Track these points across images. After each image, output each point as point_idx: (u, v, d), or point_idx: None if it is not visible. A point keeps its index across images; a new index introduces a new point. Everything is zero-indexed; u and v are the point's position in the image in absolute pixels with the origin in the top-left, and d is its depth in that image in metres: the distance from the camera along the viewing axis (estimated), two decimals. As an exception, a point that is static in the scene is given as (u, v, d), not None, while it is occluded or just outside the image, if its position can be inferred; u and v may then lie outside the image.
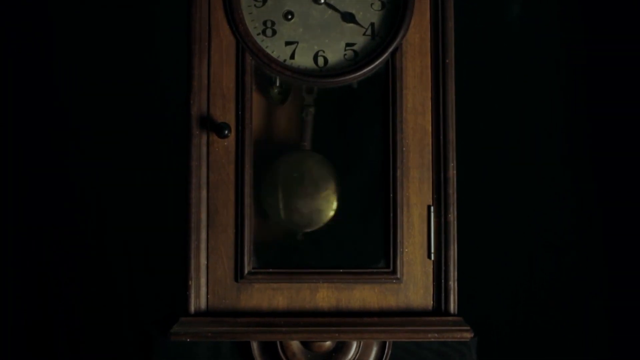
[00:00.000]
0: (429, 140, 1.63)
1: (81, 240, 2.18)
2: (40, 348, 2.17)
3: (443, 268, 1.61)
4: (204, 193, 1.60)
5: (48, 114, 2.17)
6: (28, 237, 2.16)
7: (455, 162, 1.61)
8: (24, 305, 2.18)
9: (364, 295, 1.61)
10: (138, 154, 2.18)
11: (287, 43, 1.64)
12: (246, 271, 1.60)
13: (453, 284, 1.61)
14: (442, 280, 1.61)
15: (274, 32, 1.64)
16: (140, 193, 2.16)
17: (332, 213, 1.72)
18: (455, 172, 1.61)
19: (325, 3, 1.64)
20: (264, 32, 1.64)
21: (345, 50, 1.64)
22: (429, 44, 1.63)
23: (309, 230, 1.73)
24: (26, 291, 2.16)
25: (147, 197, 2.16)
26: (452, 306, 1.60)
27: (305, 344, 1.65)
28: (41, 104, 2.17)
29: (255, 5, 1.64)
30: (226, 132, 1.57)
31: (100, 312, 2.16)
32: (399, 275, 1.61)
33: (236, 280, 1.60)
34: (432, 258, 1.62)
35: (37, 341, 2.17)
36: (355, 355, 1.66)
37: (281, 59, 1.64)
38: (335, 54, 1.64)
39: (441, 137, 1.62)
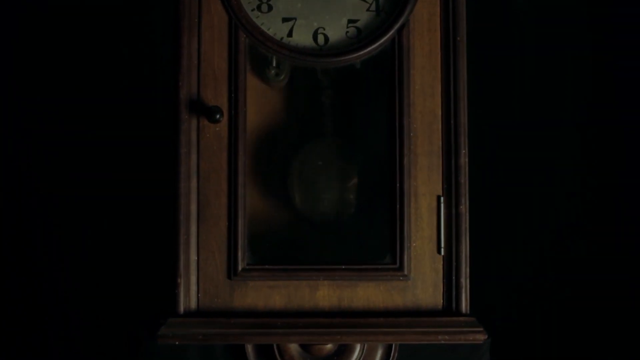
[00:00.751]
0: (438, 125, 1.60)
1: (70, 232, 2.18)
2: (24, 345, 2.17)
3: (454, 264, 1.57)
4: (194, 183, 1.57)
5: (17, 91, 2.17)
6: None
7: (467, 148, 1.58)
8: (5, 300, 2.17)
9: (368, 293, 1.58)
10: (125, 143, 2.16)
11: (284, 19, 1.61)
12: (240, 267, 1.56)
13: (465, 281, 1.57)
14: (453, 277, 1.58)
15: (270, 8, 1.61)
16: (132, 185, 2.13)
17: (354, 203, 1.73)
18: (467, 159, 1.58)
19: (326, -25, 1.61)
20: (259, 8, 1.61)
21: (347, 27, 1.62)
22: (438, 20, 1.60)
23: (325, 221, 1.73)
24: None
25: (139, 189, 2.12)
26: (464, 305, 1.57)
27: (304, 347, 1.64)
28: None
29: (249, -22, 1.61)
30: (218, 116, 1.53)
31: (91, 307, 2.16)
32: (406, 272, 1.58)
33: (229, 277, 1.57)
34: (442, 253, 1.59)
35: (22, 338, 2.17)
36: (359, 359, 1.66)
37: (278, 37, 1.60)
38: (336, 31, 1.61)
39: (452, 122, 1.59)
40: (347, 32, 1.61)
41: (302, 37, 1.61)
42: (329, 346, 1.64)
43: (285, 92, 1.76)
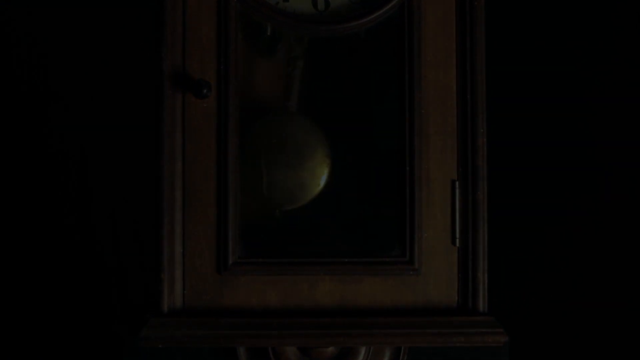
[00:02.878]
0: (453, 101, 1.56)
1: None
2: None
3: (470, 257, 1.54)
4: (178, 166, 1.54)
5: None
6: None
7: (485, 127, 1.55)
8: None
9: (374, 289, 1.55)
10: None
11: (280, -18, 1.60)
12: (231, 261, 1.53)
13: (482, 276, 1.54)
14: (469, 272, 1.54)
15: (264, -31, 1.59)
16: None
17: (318, 189, 1.67)
18: (485, 139, 1.55)
19: None
20: (251, -31, 1.58)
21: (351, -10, 1.60)
22: (453, -20, 1.59)
23: (289, 208, 1.69)
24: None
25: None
26: (482, 303, 1.54)
27: (303, 350, 1.61)
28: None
29: None
30: (205, 91, 1.50)
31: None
32: (416, 266, 1.54)
33: (219, 272, 1.54)
34: (457, 244, 1.55)
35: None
36: (364, 363, 1.65)
37: (273, 2, 1.57)
38: (338, -5, 1.60)
39: (468, 97, 1.55)
40: (350, -5, 1.60)
41: (300, 2, 1.58)
42: (331, 349, 1.61)
43: (280, 64, 1.72)
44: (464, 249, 1.55)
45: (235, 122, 1.54)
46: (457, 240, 1.55)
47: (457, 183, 1.55)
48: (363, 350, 1.61)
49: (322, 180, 1.68)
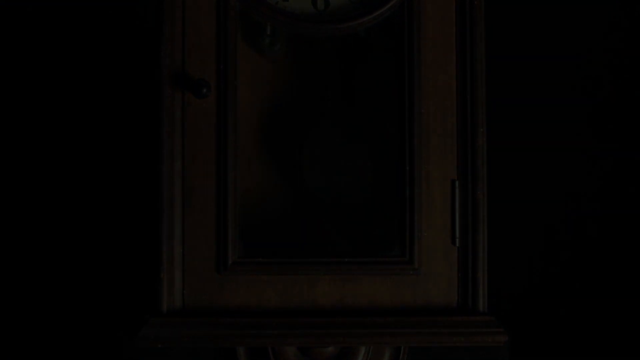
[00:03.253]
0: (453, 100, 1.56)
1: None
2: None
3: (470, 256, 1.54)
4: (178, 166, 1.54)
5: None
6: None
7: (485, 126, 1.55)
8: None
9: (374, 289, 1.55)
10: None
11: (280, -19, 1.60)
12: (230, 261, 1.53)
13: (482, 276, 1.54)
14: (469, 271, 1.54)
15: (264, -32, 1.60)
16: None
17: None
18: (485, 139, 1.55)
19: None
20: (251, -32, 1.59)
21: (351, -11, 1.60)
22: (453, -22, 1.60)
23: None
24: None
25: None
26: (481, 303, 1.54)
27: (302, 350, 1.63)
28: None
29: None
30: (205, 91, 1.50)
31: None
32: (416, 265, 1.54)
33: (218, 271, 1.54)
34: (457, 244, 1.55)
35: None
36: (364, 363, 1.63)
37: (272, 1, 1.57)
38: (338, -6, 1.61)
39: (468, 97, 1.55)
40: (350, -5, 1.60)
41: (299, 1, 1.58)
42: (330, 349, 1.62)
43: (281, 64, 1.74)
44: (464, 249, 1.54)
45: (235, 122, 1.54)
46: (457, 240, 1.54)
47: (457, 183, 1.55)
48: (363, 350, 1.63)
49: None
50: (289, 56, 1.71)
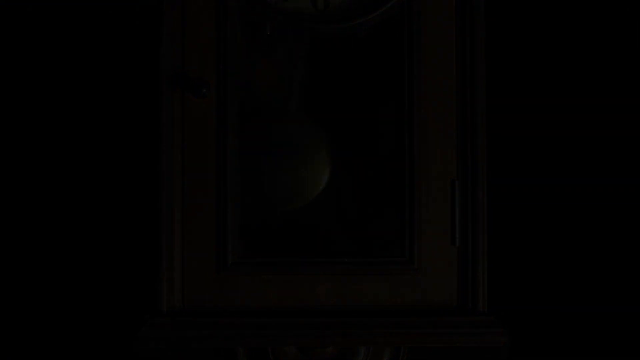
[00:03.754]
0: (453, 101, 1.56)
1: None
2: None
3: (470, 256, 1.54)
4: (177, 166, 1.54)
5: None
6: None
7: (485, 127, 1.55)
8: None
9: (374, 289, 1.55)
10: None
11: (280, -20, 1.59)
12: (230, 260, 1.53)
13: (482, 276, 1.53)
14: (469, 272, 1.54)
15: (263, -33, 1.59)
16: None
17: (319, 189, 1.68)
18: (486, 137, 1.55)
19: None
20: (250, -33, 1.59)
21: (350, -12, 1.59)
22: (452, -20, 1.59)
23: (290, 208, 1.69)
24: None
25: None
26: (482, 303, 1.53)
27: (302, 350, 1.62)
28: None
29: None
30: (204, 90, 1.50)
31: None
32: (416, 265, 1.54)
33: (218, 271, 1.54)
34: (457, 244, 1.55)
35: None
36: (364, 363, 1.65)
37: (272, 1, 1.57)
38: (338, -7, 1.60)
39: (468, 97, 1.55)
40: (350, -6, 1.59)
41: (299, 1, 1.58)
42: (330, 349, 1.62)
43: (280, 64, 1.72)
44: (463, 249, 1.54)
45: (234, 121, 1.54)
46: (457, 240, 1.54)
47: (457, 183, 1.55)
48: (363, 350, 1.62)
49: (323, 181, 1.68)
50: (289, 56, 1.69)
